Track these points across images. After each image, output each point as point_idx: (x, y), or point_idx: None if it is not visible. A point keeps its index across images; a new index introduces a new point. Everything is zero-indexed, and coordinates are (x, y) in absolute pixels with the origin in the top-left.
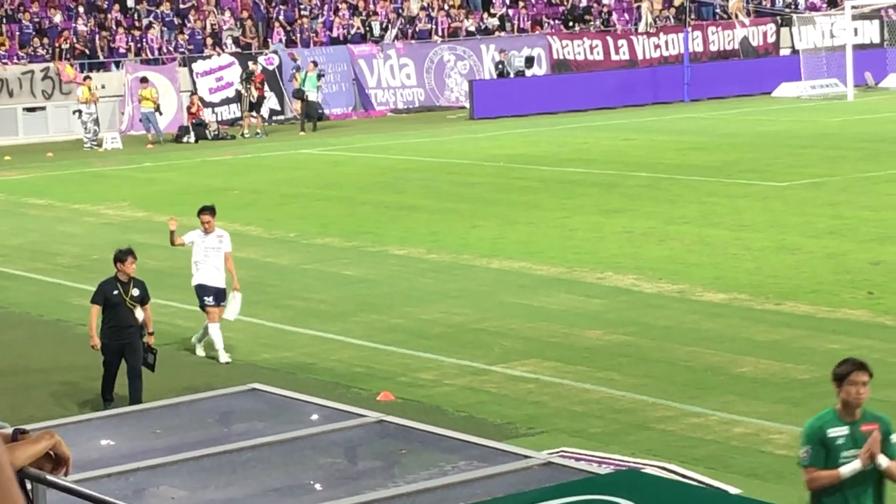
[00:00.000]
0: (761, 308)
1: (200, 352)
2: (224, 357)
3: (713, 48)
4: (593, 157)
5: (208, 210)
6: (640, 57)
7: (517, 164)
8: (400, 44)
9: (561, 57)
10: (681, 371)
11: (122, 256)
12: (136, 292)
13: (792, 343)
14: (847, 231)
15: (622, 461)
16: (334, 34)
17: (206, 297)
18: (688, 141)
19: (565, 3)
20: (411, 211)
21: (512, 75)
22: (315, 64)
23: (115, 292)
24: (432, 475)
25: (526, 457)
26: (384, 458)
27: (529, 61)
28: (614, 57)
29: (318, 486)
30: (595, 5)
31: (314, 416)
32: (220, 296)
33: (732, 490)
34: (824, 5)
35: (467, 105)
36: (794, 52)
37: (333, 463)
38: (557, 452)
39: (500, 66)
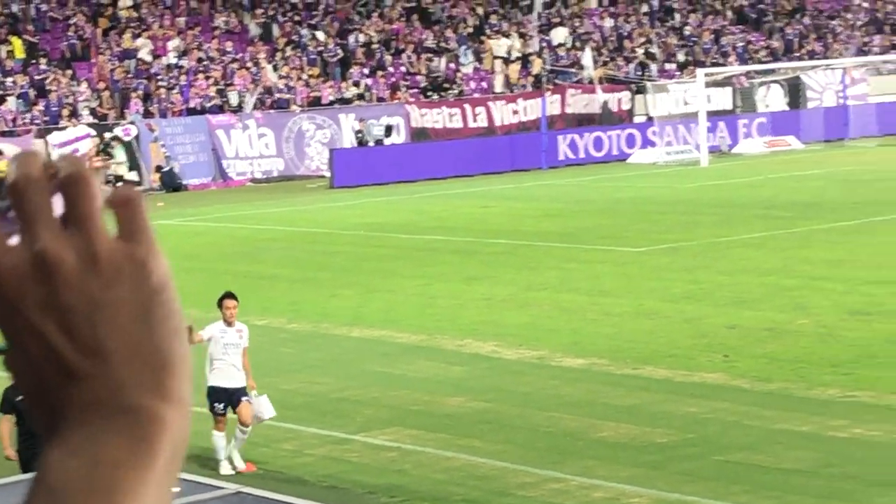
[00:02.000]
0: (620, 373)
1: (228, 468)
2: (228, 469)
3: (569, 110)
4: (452, 225)
5: (231, 296)
6: (497, 123)
7: (377, 233)
8: (259, 113)
9: (420, 125)
10: (541, 437)
11: None
12: None
13: (650, 407)
14: (703, 295)
15: None
16: (192, 104)
17: (217, 403)
18: (545, 207)
19: (423, 71)
20: (271, 280)
21: (371, 144)
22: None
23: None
24: None
25: None
26: None
27: (388, 130)
28: (472, 124)
29: None
30: (454, 74)
31: (173, 489)
32: (236, 397)
33: None
34: (678, 73)
35: (327, 174)
36: (649, 118)
37: None
38: None
39: (359, 135)
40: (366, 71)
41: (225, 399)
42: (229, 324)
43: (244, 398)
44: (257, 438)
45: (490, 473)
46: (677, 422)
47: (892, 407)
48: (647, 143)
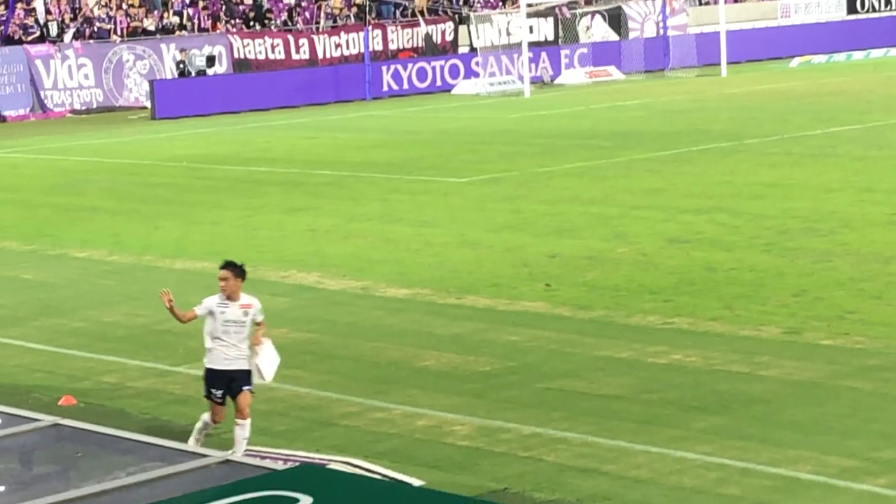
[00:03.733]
0: (443, 302)
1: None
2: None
3: (393, 46)
4: (276, 156)
5: (227, 266)
6: (320, 56)
7: (200, 164)
8: (78, 44)
9: (242, 56)
10: (365, 367)
11: None
12: None
13: (473, 336)
14: (525, 225)
15: (307, 457)
16: (10, 34)
17: (214, 389)
18: (370, 139)
19: (245, 2)
20: (92, 213)
21: (193, 74)
22: None
23: None
24: (109, 477)
25: (204, 455)
26: (59, 462)
27: (210, 60)
28: (295, 56)
29: None
30: (276, 4)
31: None
32: (237, 384)
33: (415, 482)
34: (500, 3)
35: (148, 105)
36: (473, 49)
37: (7, 469)
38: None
39: (181, 66)
40: (187, 0)
41: (223, 384)
42: (230, 298)
43: (245, 387)
44: (77, 372)
45: (314, 403)
46: (499, 350)
47: (709, 333)
48: (470, 73)
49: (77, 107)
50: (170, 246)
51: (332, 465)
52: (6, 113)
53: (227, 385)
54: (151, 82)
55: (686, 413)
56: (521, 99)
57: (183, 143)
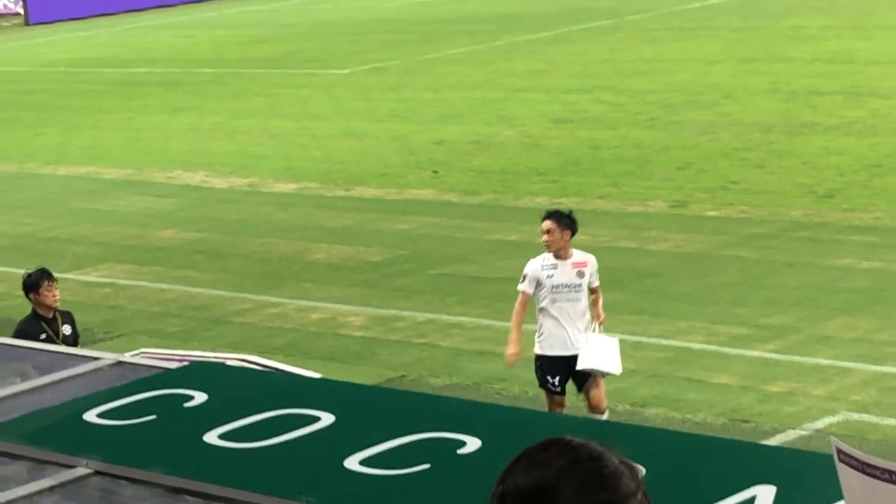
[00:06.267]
0: (331, 195)
1: None
2: None
3: None
4: (155, 57)
5: (555, 216)
6: None
7: (78, 69)
8: None
9: None
10: (256, 263)
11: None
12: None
13: (363, 227)
14: (410, 113)
15: (202, 356)
16: None
17: (552, 378)
18: (249, 34)
19: None
20: None
21: None
22: None
23: (43, 336)
24: None
25: (95, 358)
26: None
27: None
28: None
29: None
30: None
31: None
32: (581, 372)
33: (312, 374)
34: None
35: (21, 11)
36: None
37: None
38: (137, 354)
39: None
40: None
41: (561, 370)
42: (558, 255)
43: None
44: None
45: (207, 303)
46: (390, 239)
47: (597, 211)
48: None
49: None
50: (52, 152)
51: (229, 363)
52: None
53: (566, 370)
54: None
55: None
56: None
57: (59, 47)
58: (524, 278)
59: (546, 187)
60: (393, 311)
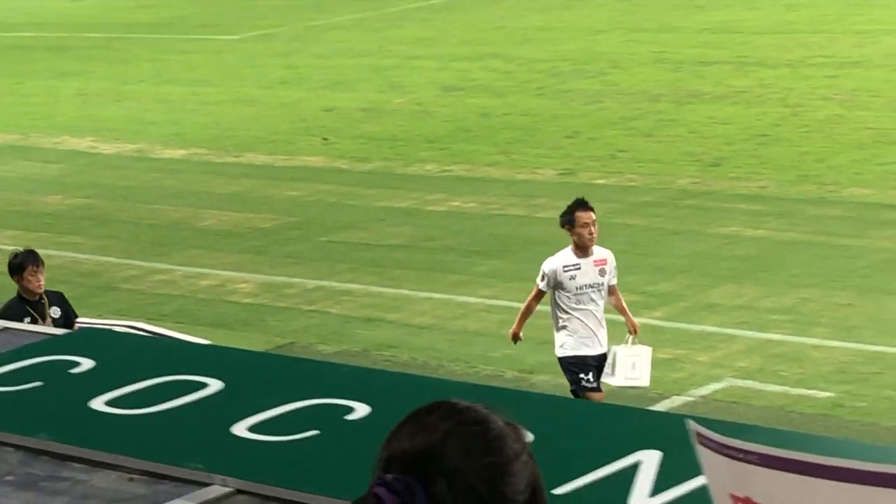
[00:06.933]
0: (221, 161)
1: None
2: None
3: None
4: (43, 21)
5: (583, 205)
6: None
7: None
8: None
9: None
10: (145, 230)
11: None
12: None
13: (252, 193)
14: (300, 80)
15: (90, 323)
16: None
17: (585, 375)
18: None
19: None
20: None
21: None
22: None
23: (27, 319)
24: None
25: None
26: None
27: None
28: None
29: None
30: None
31: None
32: (602, 364)
33: (201, 341)
34: None
35: None
36: None
37: None
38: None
39: None
40: None
41: (592, 367)
42: (584, 252)
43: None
44: None
45: (94, 269)
46: (280, 206)
47: (485, 179)
48: None
49: None
50: None
51: (116, 330)
52: None
53: (597, 368)
54: None
55: (467, 258)
56: None
57: None
58: (543, 277)
59: (436, 154)
60: (282, 278)
